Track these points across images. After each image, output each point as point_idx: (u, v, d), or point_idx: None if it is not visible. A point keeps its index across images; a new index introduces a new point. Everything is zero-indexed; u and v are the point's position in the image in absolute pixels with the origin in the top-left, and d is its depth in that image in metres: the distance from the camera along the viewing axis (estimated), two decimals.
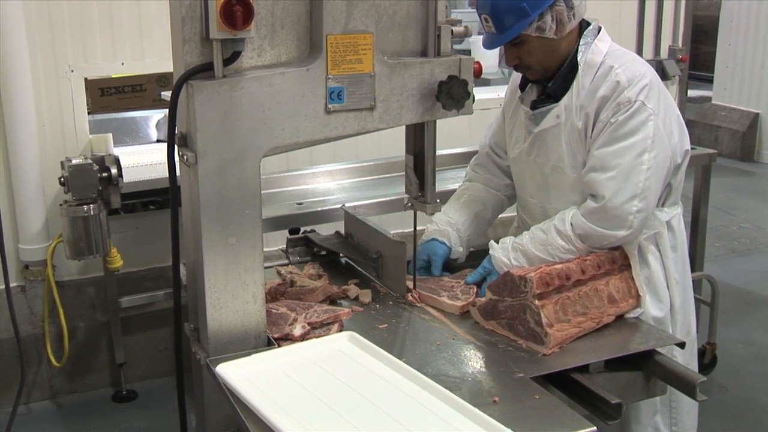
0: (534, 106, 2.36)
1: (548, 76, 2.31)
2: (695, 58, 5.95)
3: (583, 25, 2.30)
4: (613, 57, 2.25)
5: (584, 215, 2.20)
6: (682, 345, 2.14)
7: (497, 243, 2.34)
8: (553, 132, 2.31)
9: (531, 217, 2.47)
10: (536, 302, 2.02)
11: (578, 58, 2.25)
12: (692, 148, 4.01)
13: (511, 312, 2.08)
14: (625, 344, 2.08)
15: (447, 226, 2.50)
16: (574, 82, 2.25)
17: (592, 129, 2.22)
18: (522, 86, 2.44)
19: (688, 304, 2.44)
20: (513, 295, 2.07)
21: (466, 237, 2.51)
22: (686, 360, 2.33)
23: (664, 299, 2.33)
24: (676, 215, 2.37)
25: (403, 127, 2.20)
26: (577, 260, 2.17)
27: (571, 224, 2.21)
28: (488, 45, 2.28)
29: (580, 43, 2.27)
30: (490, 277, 2.31)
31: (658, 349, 2.06)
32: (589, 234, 2.19)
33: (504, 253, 2.29)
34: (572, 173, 2.29)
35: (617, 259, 2.25)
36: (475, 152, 4.06)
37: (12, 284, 3.39)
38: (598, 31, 2.30)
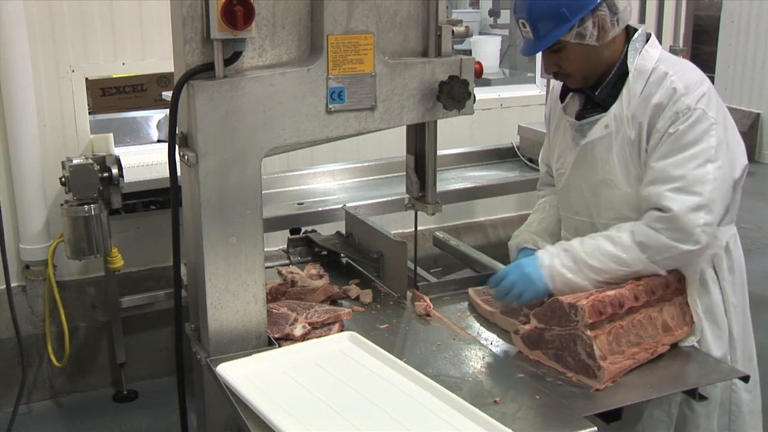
0: (580, 116, 2.22)
1: (590, 85, 2.18)
2: (696, 58, 5.94)
3: (630, 31, 2.17)
4: (666, 63, 2.10)
5: (648, 224, 2.03)
6: (746, 379, 2.00)
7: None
8: (603, 143, 2.15)
9: (577, 236, 2.22)
10: (588, 332, 1.87)
11: (629, 65, 2.12)
12: None
13: (559, 342, 1.93)
14: (682, 376, 1.97)
15: (529, 235, 2.39)
16: (624, 90, 2.11)
17: (647, 139, 2.07)
18: (562, 96, 2.30)
19: (748, 330, 2.28)
20: (562, 324, 1.92)
21: (549, 237, 2.38)
22: (748, 388, 2.20)
23: (723, 327, 2.17)
24: (732, 235, 2.22)
25: (404, 127, 2.20)
26: (629, 285, 2.01)
27: (632, 231, 2.04)
28: (526, 51, 2.16)
29: (629, 49, 2.13)
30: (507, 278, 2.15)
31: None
32: (650, 241, 2.01)
33: (551, 255, 2.11)
34: (626, 188, 2.13)
35: (671, 284, 2.09)
36: (475, 152, 4.09)
37: (13, 284, 3.39)
38: (647, 37, 2.17)
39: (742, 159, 2.19)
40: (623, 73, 2.13)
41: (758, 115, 7.96)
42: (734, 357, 2.20)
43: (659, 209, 2.02)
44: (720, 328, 2.17)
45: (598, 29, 2.06)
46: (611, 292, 1.97)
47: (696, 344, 2.09)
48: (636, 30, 2.18)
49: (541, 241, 2.34)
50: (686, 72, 2.09)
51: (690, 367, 2.01)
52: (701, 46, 9.31)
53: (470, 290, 2.36)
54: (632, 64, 2.12)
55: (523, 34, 2.13)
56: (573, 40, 2.06)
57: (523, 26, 2.11)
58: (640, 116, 2.08)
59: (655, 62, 2.11)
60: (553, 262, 2.08)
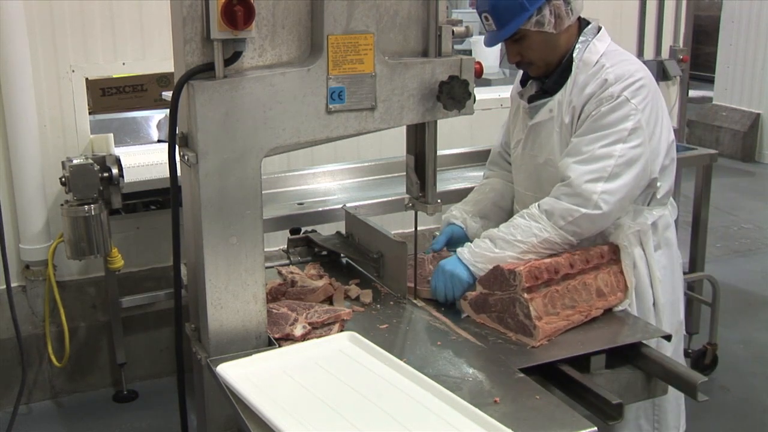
0: (531, 100, 2.41)
1: (549, 73, 2.35)
2: (696, 58, 5.95)
3: (583, 24, 2.34)
4: (609, 56, 2.28)
5: (552, 194, 2.23)
6: (668, 338, 2.16)
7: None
8: (547, 126, 2.35)
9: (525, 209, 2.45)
10: (525, 295, 2.04)
11: (574, 55, 2.29)
12: (692, 149, 4.04)
13: (501, 305, 2.10)
14: (613, 337, 2.10)
15: (461, 212, 2.55)
16: (569, 79, 2.29)
17: (577, 122, 2.27)
18: (523, 82, 2.49)
19: (677, 305, 2.47)
20: (503, 289, 2.10)
21: (480, 219, 2.53)
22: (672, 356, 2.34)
23: (647, 300, 2.35)
24: (662, 216, 2.38)
25: (404, 127, 2.20)
26: (566, 255, 2.18)
27: (539, 204, 2.23)
28: (489, 42, 2.33)
29: (579, 41, 2.31)
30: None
31: (646, 342, 2.09)
32: (554, 208, 2.19)
33: (474, 245, 2.27)
34: None
35: (605, 254, 2.26)
36: (475, 152, 4.09)
37: (13, 284, 3.39)
38: (598, 31, 2.34)
39: (671, 152, 2.36)
40: (571, 63, 2.31)
41: (758, 115, 7.97)
42: (660, 326, 2.33)
43: (563, 179, 2.22)
44: (641, 299, 2.35)
45: (554, 17, 2.24)
46: (548, 260, 2.15)
47: (628, 308, 2.26)
48: (589, 23, 2.36)
49: (471, 221, 2.53)
50: (622, 65, 2.26)
51: (620, 329, 2.16)
52: (701, 46, 9.33)
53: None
54: (578, 55, 2.30)
55: (486, 27, 2.30)
56: (533, 28, 2.24)
57: (486, 19, 2.28)
58: (575, 102, 2.28)
59: (600, 55, 2.29)
60: (473, 251, 2.24)
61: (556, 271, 2.12)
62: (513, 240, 2.18)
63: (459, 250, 2.28)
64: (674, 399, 2.42)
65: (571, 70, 2.30)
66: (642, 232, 2.32)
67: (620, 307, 2.24)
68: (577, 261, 2.18)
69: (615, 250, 2.29)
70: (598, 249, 2.25)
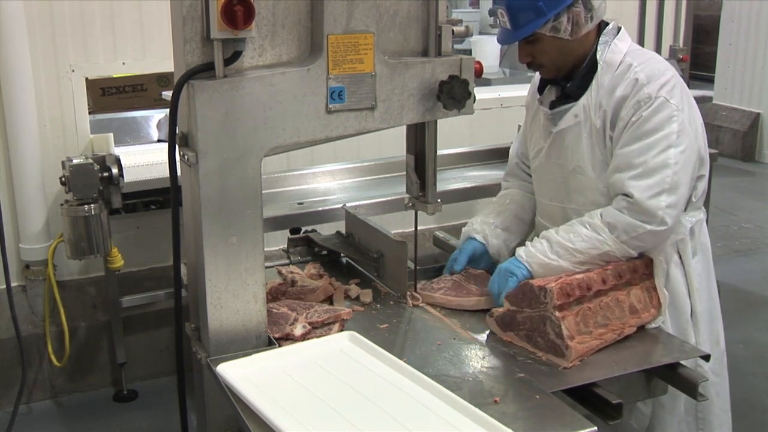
0: (552, 105, 2.33)
1: (563, 76, 2.29)
2: (696, 58, 5.96)
3: (602, 25, 2.26)
4: (633, 56, 2.20)
5: (615, 207, 2.14)
6: (706, 357, 2.08)
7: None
8: (573, 132, 2.26)
9: (551, 221, 2.38)
10: (557, 313, 1.95)
11: (597, 57, 2.21)
12: None
13: (530, 323, 2.01)
14: (647, 356, 2.03)
15: (483, 225, 2.46)
16: (593, 81, 2.21)
17: (612, 128, 2.18)
18: (540, 89, 2.41)
19: (715, 313, 2.37)
20: (532, 306, 2.00)
21: (502, 232, 2.45)
22: (715, 371, 2.28)
23: (683, 311, 2.27)
24: (698, 221, 2.30)
25: (404, 126, 2.21)
26: (597, 270, 2.09)
27: (601, 214, 2.14)
28: (502, 40, 2.26)
29: (600, 42, 2.23)
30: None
31: (683, 362, 2.01)
32: (618, 222, 2.10)
33: (531, 244, 2.22)
34: (593, 173, 2.24)
35: (638, 269, 2.17)
36: (475, 152, 4.09)
37: (13, 284, 3.39)
38: (618, 31, 2.27)
39: (705, 149, 2.28)
40: (593, 66, 2.23)
41: (758, 115, 7.96)
42: (700, 340, 2.28)
43: (624, 194, 2.12)
44: (679, 312, 2.26)
45: (572, 24, 2.17)
46: (579, 276, 2.05)
47: (662, 325, 2.18)
48: (608, 24, 2.28)
49: (492, 237, 2.44)
50: (650, 63, 2.19)
51: (655, 347, 2.08)
52: (701, 46, 9.33)
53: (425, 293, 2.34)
54: (601, 57, 2.22)
55: (501, 23, 2.23)
56: (548, 33, 2.17)
57: (501, 16, 2.21)
58: (605, 105, 2.19)
59: (623, 55, 2.21)
60: (528, 251, 2.18)
61: (588, 288, 2.02)
62: (572, 248, 2.11)
63: (517, 249, 2.22)
64: (723, 413, 2.35)
65: (593, 73, 2.21)
66: (680, 240, 2.24)
67: (653, 324, 2.15)
68: (609, 276, 2.09)
69: (648, 264, 2.19)
70: (630, 263, 2.15)
